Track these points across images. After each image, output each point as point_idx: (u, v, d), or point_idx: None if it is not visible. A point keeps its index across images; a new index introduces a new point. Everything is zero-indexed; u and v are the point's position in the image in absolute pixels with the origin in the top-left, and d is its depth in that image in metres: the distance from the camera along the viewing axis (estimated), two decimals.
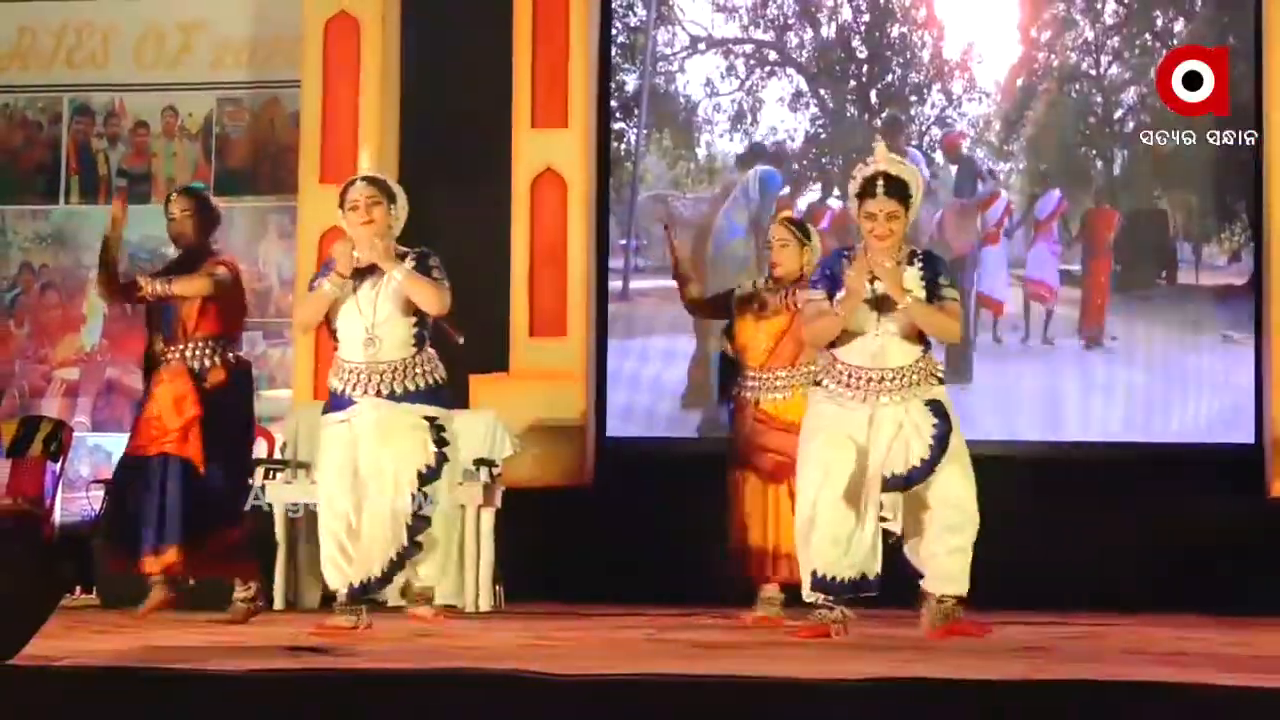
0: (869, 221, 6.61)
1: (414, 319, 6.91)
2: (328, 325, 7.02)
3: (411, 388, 6.87)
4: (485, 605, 8.92)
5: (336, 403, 6.92)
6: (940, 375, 6.69)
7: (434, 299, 6.88)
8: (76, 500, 10.67)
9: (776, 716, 4.24)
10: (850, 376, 6.62)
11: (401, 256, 6.90)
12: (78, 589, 9.47)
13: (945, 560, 6.57)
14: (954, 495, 6.55)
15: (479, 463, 9.01)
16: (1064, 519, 9.47)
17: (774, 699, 4.30)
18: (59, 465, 9.63)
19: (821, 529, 6.55)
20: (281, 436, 10.04)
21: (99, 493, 9.65)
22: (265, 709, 4.29)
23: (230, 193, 11.23)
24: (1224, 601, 9.06)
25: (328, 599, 9.27)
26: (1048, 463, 9.83)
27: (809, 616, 6.65)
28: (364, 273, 6.89)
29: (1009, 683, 4.38)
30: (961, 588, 6.59)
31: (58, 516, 10.31)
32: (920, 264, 6.65)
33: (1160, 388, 10.27)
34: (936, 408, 6.58)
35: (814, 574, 6.58)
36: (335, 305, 6.91)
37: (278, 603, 8.93)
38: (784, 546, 7.45)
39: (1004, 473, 9.31)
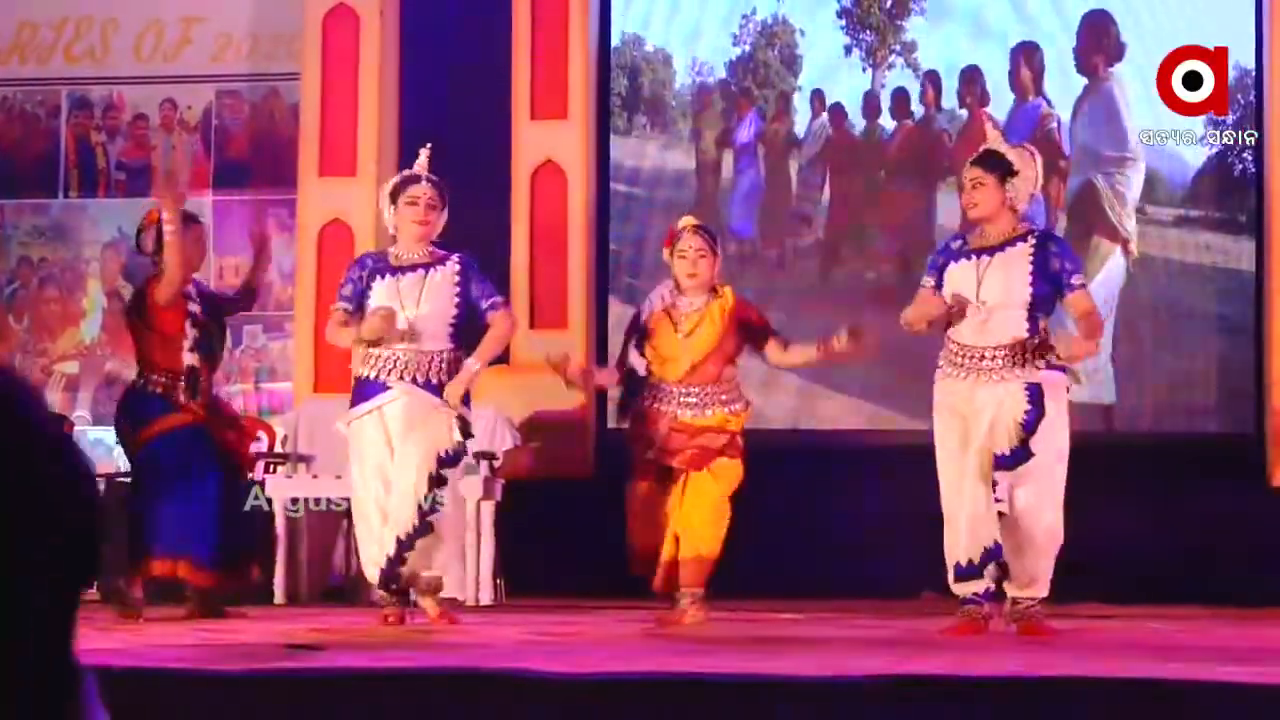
0: (962, 193, 6.81)
1: (454, 314, 7.05)
2: (359, 313, 7.10)
3: (446, 379, 6.99)
4: (486, 599, 8.92)
5: (367, 390, 7.00)
6: (1052, 359, 6.63)
7: (508, 331, 7.40)
8: None
9: (777, 715, 4.24)
10: (958, 354, 6.68)
11: (442, 259, 7.11)
12: None
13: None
14: (1035, 508, 6.61)
15: (479, 455, 8.99)
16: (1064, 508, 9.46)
17: (775, 697, 4.29)
18: None
19: (951, 523, 6.63)
20: (282, 430, 10.05)
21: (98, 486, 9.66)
22: (261, 709, 4.28)
23: (229, 186, 11.24)
24: (1224, 593, 9.07)
25: (329, 594, 9.32)
26: None
27: (958, 613, 6.66)
28: (405, 269, 7.06)
29: (1005, 679, 4.38)
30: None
31: None
32: (1033, 243, 6.70)
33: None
34: (1034, 392, 6.55)
35: (956, 565, 6.63)
36: (370, 294, 7.06)
37: (278, 597, 8.94)
38: (686, 550, 7.20)
39: None
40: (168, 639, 6.06)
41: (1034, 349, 6.61)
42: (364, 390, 7.04)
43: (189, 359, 7.62)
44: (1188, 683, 4.29)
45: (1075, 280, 6.67)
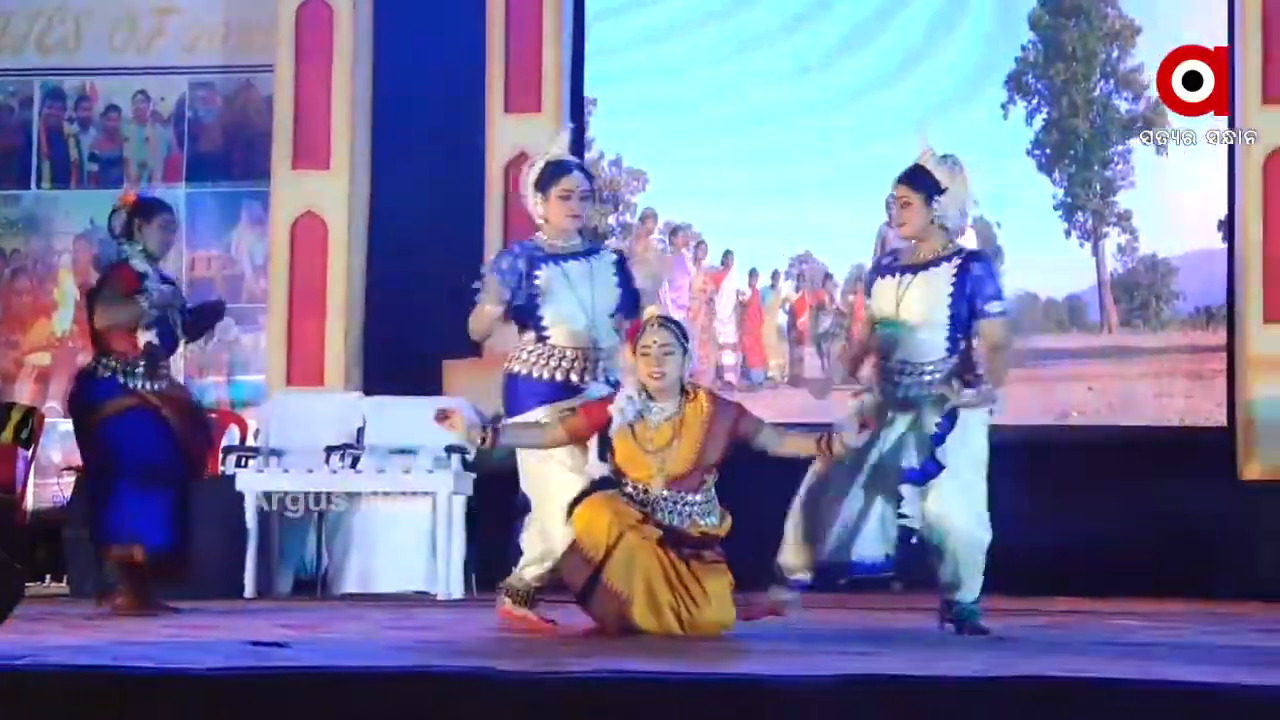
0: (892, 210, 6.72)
1: (615, 306, 6.67)
2: (525, 313, 6.65)
3: (615, 376, 6.60)
4: (457, 592, 8.93)
5: (552, 391, 6.53)
6: (970, 379, 6.51)
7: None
8: (48, 486, 10.65)
9: (750, 715, 4.23)
10: (884, 370, 6.63)
11: (595, 248, 6.82)
12: (48, 577, 9.48)
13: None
14: (945, 515, 6.52)
15: (451, 449, 8.99)
16: (1035, 503, 9.47)
17: (746, 697, 4.29)
18: (30, 452, 9.61)
19: (816, 519, 6.59)
20: (254, 423, 10.03)
21: (70, 479, 9.65)
22: (227, 707, 4.27)
23: (202, 178, 11.23)
24: (1194, 584, 9.12)
25: (298, 587, 9.29)
26: (1018, 446, 9.83)
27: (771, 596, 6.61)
28: (564, 256, 6.66)
29: (970, 680, 4.38)
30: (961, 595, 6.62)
31: (30, 503, 10.29)
32: (958, 263, 6.60)
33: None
34: (950, 411, 6.47)
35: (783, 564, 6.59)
36: (536, 282, 6.62)
37: (248, 590, 8.91)
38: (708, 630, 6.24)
39: None
40: (134, 636, 6.04)
41: (953, 368, 6.57)
42: (547, 392, 6.51)
43: (145, 336, 7.56)
44: (1151, 683, 4.30)
45: (991, 308, 6.55)
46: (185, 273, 11.06)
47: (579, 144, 10.69)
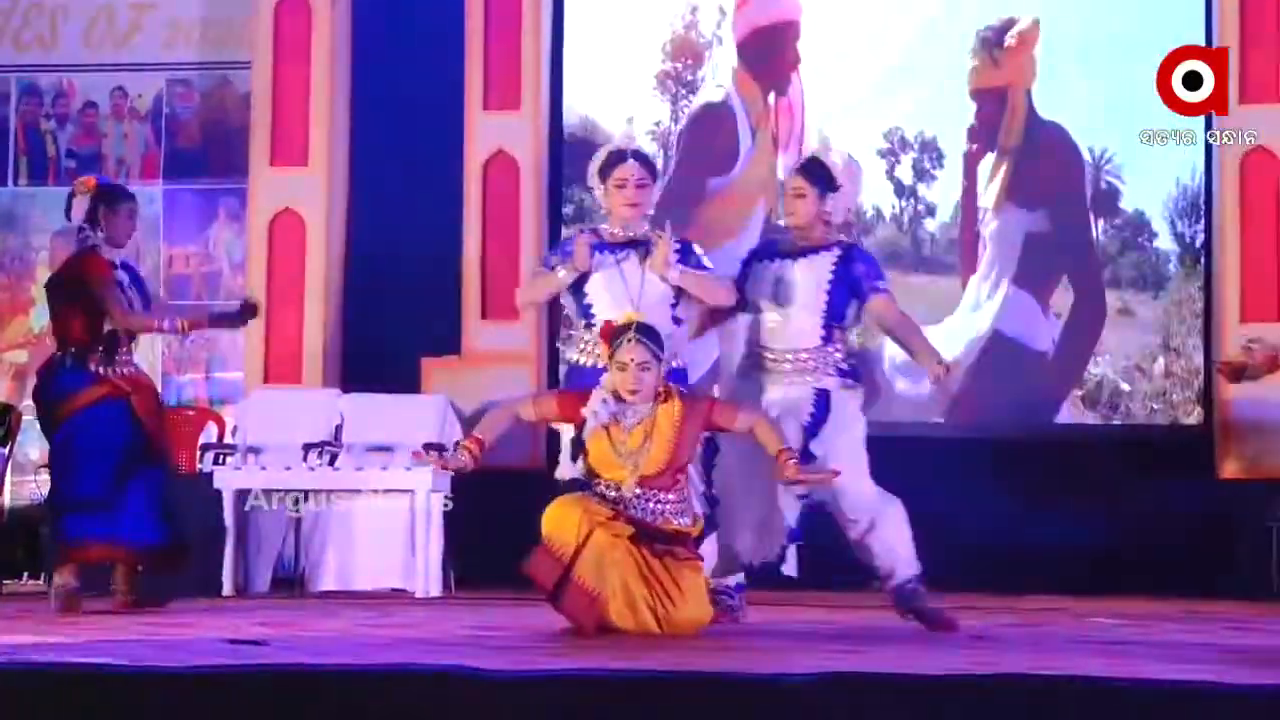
0: (784, 199, 6.84)
1: (674, 296, 6.72)
2: (575, 300, 6.78)
3: (674, 365, 6.58)
4: (435, 591, 8.91)
5: (597, 378, 6.47)
6: (845, 367, 6.67)
7: (722, 293, 6.75)
8: (26, 484, 10.61)
9: (731, 713, 4.24)
10: (759, 357, 6.73)
11: (646, 239, 6.77)
12: (25, 575, 9.45)
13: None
14: (850, 498, 6.57)
15: (429, 447, 8.96)
16: (1014, 501, 9.49)
17: (722, 694, 4.29)
18: (8, 449, 9.57)
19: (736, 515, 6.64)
20: (232, 420, 10.01)
21: (47, 476, 9.61)
22: (204, 705, 4.26)
23: (180, 174, 11.20)
24: (1173, 582, 9.14)
25: (276, 585, 9.27)
26: (998, 445, 9.86)
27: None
28: (621, 245, 6.74)
29: (949, 678, 4.39)
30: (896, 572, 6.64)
31: (7, 501, 10.25)
32: (839, 252, 6.73)
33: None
34: (821, 398, 6.58)
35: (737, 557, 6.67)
36: (592, 267, 6.68)
37: (226, 588, 8.90)
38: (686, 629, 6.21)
39: (959, 455, 9.41)
40: (111, 634, 6.02)
41: (827, 357, 6.65)
42: (592, 376, 6.50)
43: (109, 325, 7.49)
44: (1129, 681, 4.31)
45: (879, 284, 6.72)
46: (163, 269, 11.03)
47: (558, 142, 10.68)
